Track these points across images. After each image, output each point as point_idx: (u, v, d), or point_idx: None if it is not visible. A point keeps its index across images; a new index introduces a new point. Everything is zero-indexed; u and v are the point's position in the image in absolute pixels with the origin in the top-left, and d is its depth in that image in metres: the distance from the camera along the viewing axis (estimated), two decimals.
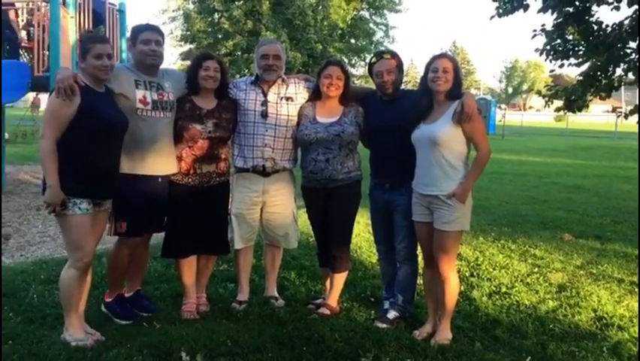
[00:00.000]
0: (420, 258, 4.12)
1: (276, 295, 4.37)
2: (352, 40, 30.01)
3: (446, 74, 3.59)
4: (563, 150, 21.72)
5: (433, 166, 3.62)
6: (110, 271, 4.04)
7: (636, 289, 4.84)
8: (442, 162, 3.60)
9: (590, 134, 31.73)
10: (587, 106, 8.48)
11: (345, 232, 4.20)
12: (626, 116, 8.48)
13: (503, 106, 55.70)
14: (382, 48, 29.36)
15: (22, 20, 8.60)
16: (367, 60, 30.48)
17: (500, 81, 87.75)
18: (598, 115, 46.76)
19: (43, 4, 8.16)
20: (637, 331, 3.97)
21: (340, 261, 4.18)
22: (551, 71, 8.39)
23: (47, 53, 7.96)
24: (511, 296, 4.63)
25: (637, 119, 8.04)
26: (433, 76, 3.62)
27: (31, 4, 8.41)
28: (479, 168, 3.64)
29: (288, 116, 4.12)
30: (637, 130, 9.40)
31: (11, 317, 3.87)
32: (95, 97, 3.41)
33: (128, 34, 9.63)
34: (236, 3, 25.62)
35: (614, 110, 54.08)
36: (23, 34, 8.72)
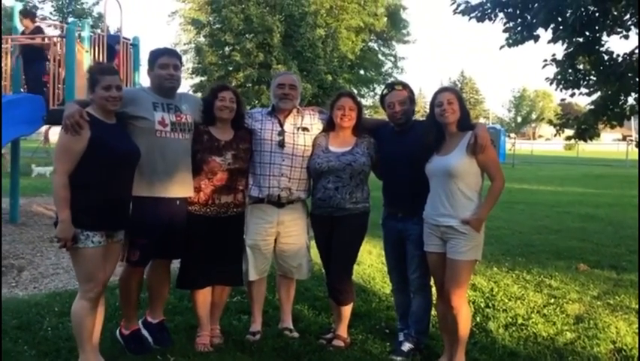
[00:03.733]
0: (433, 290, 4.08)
1: (291, 326, 4.33)
2: (361, 72, 30.38)
3: (451, 105, 3.65)
4: (574, 178, 21.61)
5: (448, 197, 3.62)
6: (121, 300, 4.01)
7: None
8: (457, 193, 3.60)
9: (601, 162, 31.57)
10: (599, 135, 8.48)
11: (347, 264, 4.18)
12: (638, 145, 8.44)
13: (513, 135, 55.76)
14: (391, 78, 29.73)
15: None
16: (376, 90, 30.74)
17: (509, 110, 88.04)
18: (608, 143, 46.68)
19: (59, 38, 8.35)
20: None
21: (344, 294, 4.16)
22: (562, 100, 8.43)
23: (62, 86, 8.09)
24: (528, 328, 4.57)
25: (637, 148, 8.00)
26: (439, 110, 3.67)
27: (47, 38, 8.58)
28: (494, 198, 3.64)
29: (304, 146, 4.15)
30: None
31: (25, 350, 3.86)
32: (105, 129, 3.43)
33: (141, 68, 9.84)
34: (247, 36, 26.02)
35: (624, 138, 54.02)
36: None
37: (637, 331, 4.54)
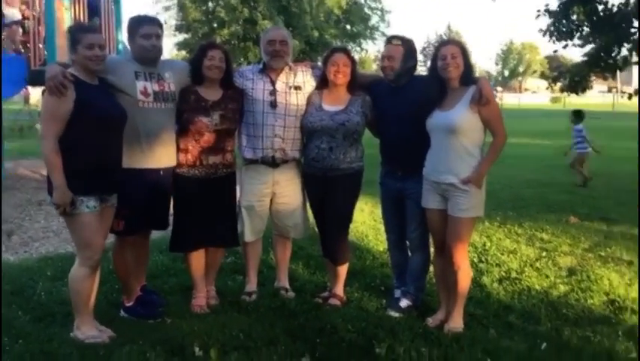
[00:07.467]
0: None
1: (287, 286, 4.33)
2: (348, 26, 29.92)
3: (455, 59, 3.56)
4: (561, 131, 21.53)
5: (449, 153, 3.57)
6: (118, 274, 3.96)
7: None
8: (459, 148, 3.55)
9: (587, 115, 31.58)
10: (591, 87, 8.45)
11: (343, 223, 4.15)
12: (630, 97, 8.43)
13: (500, 88, 55.69)
14: (378, 33, 29.47)
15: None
16: (363, 46, 30.18)
17: (496, 63, 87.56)
18: (594, 95, 46.71)
19: None
20: None
21: (340, 253, 4.15)
22: (555, 51, 8.35)
23: (43, 45, 7.88)
24: (522, 281, 4.61)
25: (638, 99, 8.00)
26: (442, 64, 3.57)
27: None
28: (495, 154, 3.62)
29: (297, 105, 4.05)
30: (636, 110, 9.38)
31: (20, 315, 3.82)
32: (89, 90, 3.32)
33: (123, 25, 9.60)
34: None
35: (609, 90, 54.13)
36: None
37: (628, 282, 4.59)
